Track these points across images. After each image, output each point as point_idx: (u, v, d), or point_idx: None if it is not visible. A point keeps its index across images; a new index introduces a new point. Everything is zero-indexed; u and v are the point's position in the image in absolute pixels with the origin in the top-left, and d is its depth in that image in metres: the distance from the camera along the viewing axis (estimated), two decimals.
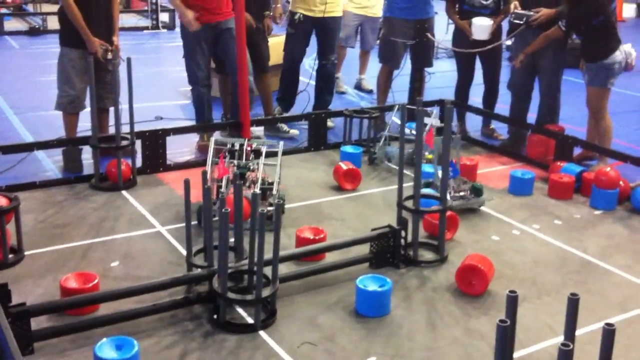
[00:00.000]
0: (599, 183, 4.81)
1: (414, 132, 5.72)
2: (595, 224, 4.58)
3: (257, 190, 4.09)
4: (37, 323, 3.07)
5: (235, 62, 5.63)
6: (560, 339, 2.01)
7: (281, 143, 4.64)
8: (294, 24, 6.50)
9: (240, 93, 5.26)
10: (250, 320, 3.28)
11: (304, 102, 6.85)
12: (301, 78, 6.92)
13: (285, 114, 6.56)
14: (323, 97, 6.74)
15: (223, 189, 4.07)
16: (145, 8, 12.92)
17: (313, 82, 6.97)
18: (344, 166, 5.07)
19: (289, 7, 6.59)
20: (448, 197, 4.43)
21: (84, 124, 5.32)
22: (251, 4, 5.79)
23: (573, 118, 6.52)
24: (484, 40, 6.07)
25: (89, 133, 4.94)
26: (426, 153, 5.34)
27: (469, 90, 6.54)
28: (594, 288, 3.72)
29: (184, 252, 3.68)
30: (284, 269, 3.59)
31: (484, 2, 6.14)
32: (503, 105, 6.52)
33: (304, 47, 6.67)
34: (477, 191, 4.70)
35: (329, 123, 6.26)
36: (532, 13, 5.70)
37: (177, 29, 12.09)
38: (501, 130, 6.36)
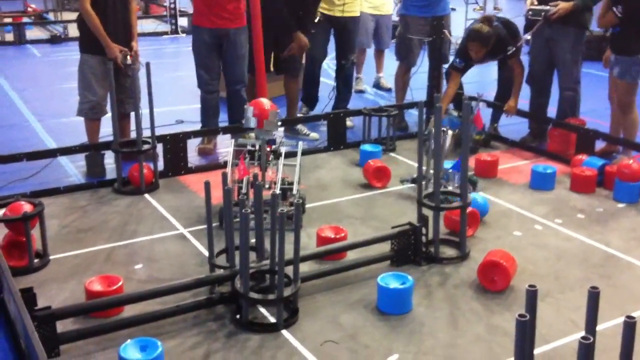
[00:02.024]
0: (621, 176, 4.77)
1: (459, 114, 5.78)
2: (618, 217, 4.54)
3: (277, 191, 4.11)
4: (63, 326, 3.11)
5: (232, 75, 5.75)
6: (583, 333, 2.00)
7: (300, 143, 4.64)
8: (314, 24, 6.53)
9: (258, 95, 5.29)
10: (272, 320, 3.30)
11: (323, 102, 6.88)
12: (326, 80, 6.93)
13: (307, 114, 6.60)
14: (342, 97, 6.77)
15: (244, 190, 4.09)
16: (164, 13, 13.02)
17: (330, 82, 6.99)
18: (373, 163, 5.09)
19: None
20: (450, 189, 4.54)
21: (106, 129, 5.39)
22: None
23: (594, 111, 6.47)
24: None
25: (111, 138, 5.00)
26: (474, 134, 5.62)
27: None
28: (618, 282, 3.69)
29: (206, 254, 3.71)
30: (305, 268, 3.61)
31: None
32: (522, 100, 6.47)
33: (325, 46, 6.71)
34: (473, 184, 4.74)
35: (348, 122, 6.27)
36: (548, 8, 5.66)
37: None
38: (521, 125, 6.32)
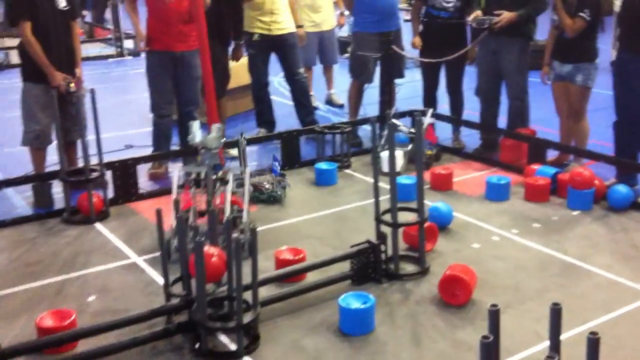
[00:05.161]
0: (574, 184, 4.82)
1: (412, 130, 5.77)
2: (573, 225, 4.58)
3: (227, 215, 3.98)
4: None
5: (186, 97, 5.75)
6: (547, 344, 1.98)
7: (248, 169, 4.51)
8: (253, 44, 6.52)
9: (208, 116, 5.23)
10: (233, 347, 3.22)
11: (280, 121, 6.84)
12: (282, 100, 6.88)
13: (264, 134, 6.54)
14: (307, 111, 6.76)
15: (190, 220, 3.93)
16: (109, 36, 12.81)
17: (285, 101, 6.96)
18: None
19: (245, 28, 6.58)
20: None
21: (53, 157, 5.24)
22: (215, 30, 5.76)
23: (542, 120, 6.56)
24: (449, 48, 6.09)
25: (58, 167, 4.86)
26: (427, 150, 5.66)
27: (435, 96, 6.54)
28: (576, 290, 3.71)
29: (161, 282, 3.60)
30: (264, 292, 3.53)
31: (445, 4, 6.14)
32: (472, 112, 6.54)
33: (267, 65, 6.74)
34: (283, 176, 5.24)
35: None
36: (493, 17, 5.73)
37: (143, 55, 12.09)
38: (473, 136, 6.37)
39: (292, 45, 6.62)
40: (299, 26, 6.75)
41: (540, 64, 5.76)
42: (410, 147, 5.75)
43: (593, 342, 1.74)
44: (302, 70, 6.75)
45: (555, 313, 1.85)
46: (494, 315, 1.86)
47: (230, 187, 4.17)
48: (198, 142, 4.25)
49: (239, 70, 7.19)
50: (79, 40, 5.36)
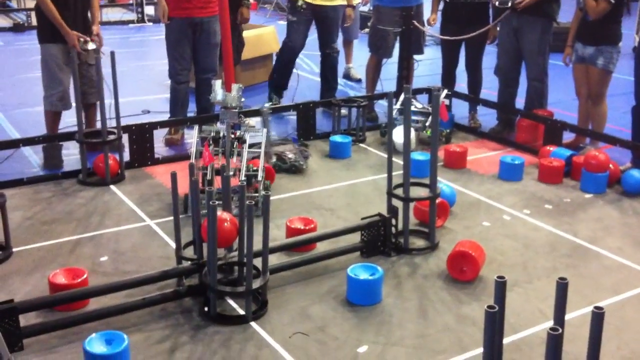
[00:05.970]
0: (588, 167, 4.81)
1: (426, 107, 5.75)
2: (585, 207, 4.58)
3: (242, 178, 4.08)
4: (26, 319, 3.05)
5: (204, 63, 5.71)
6: (552, 323, 2.00)
7: (264, 130, 4.61)
8: (296, 11, 6.47)
9: (226, 82, 5.24)
10: (241, 312, 3.26)
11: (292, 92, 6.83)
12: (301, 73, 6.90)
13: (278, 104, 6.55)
14: (329, 86, 6.75)
15: (208, 177, 4.06)
16: (130, 1, 12.82)
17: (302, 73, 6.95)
18: None
19: None
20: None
21: (71, 119, 5.28)
22: None
23: (561, 102, 6.52)
24: (471, 26, 6.03)
25: (75, 128, 4.90)
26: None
27: (454, 74, 6.51)
28: (585, 272, 3.72)
29: (174, 245, 3.65)
30: (274, 259, 3.58)
31: None
32: (491, 91, 6.50)
33: (306, 35, 6.67)
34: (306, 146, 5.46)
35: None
36: None
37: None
38: (490, 116, 6.35)
39: (332, 19, 6.56)
40: (349, 6, 6.69)
41: (562, 47, 5.71)
42: (418, 124, 5.72)
43: (598, 317, 1.76)
44: (336, 45, 6.71)
45: (562, 288, 1.87)
46: (501, 287, 1.87)
47: (246, 146, 4.27)
48: (219, 100, 4.35)
49: (256, 41, 7.18)
50: (97, 1, 5.35)
